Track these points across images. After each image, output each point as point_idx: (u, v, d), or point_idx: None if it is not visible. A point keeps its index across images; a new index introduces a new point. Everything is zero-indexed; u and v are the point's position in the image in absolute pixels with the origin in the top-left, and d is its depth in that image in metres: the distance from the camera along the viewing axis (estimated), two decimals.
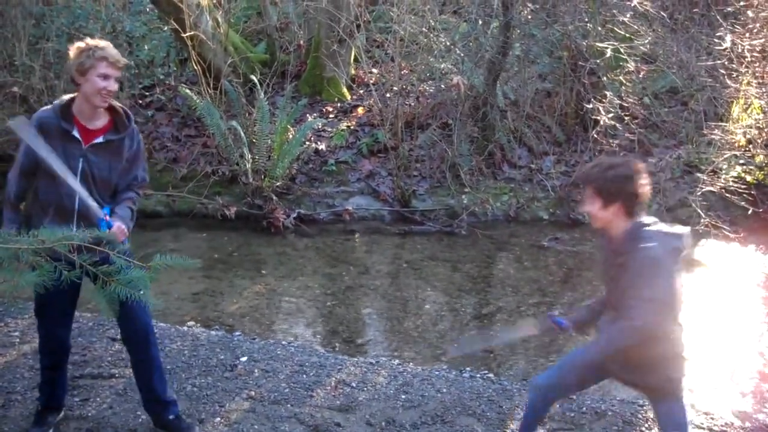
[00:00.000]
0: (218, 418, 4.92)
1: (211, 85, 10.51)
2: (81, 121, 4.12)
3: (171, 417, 4.62)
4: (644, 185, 3.73)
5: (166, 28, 11.58)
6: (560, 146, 11.11)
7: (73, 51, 4.08)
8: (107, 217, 3.97)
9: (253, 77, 10.52)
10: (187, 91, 10.44)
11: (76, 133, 4.08)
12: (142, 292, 3.14)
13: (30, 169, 4.12)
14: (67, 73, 4.15)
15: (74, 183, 3.94)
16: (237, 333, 6.55)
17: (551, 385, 4.07)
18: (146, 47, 12.29)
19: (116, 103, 4.24)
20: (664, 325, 3.66)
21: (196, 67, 10.51)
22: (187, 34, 10.37)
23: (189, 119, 11.27)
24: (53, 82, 10.77)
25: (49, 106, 4.17)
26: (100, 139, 4.14)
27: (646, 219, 3.75)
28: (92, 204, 3.96)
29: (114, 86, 4.07)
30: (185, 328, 6.57)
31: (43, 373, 4.65)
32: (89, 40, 4.12)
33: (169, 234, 9.55)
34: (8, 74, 10.87)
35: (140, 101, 11.65)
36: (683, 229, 3.81)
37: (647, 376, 3.80)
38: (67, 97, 4.17)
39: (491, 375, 5.90)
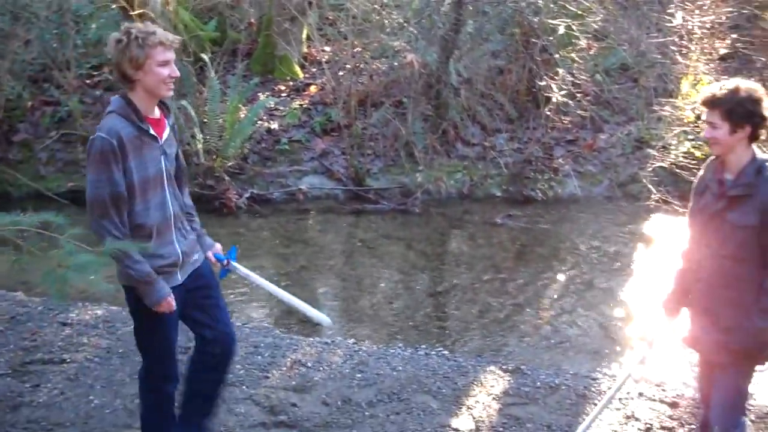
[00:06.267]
0: None
1: None
2: (149, 116, 3.68)
3: None
4: None
5: (113, 6, 11.34)
6: (513, 123, 11.14)
7: (114, 44, 3.57)
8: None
9: (203, 56, 10.37)
10: None
11: (153, 131, 3.66)
12: (92, 277, 3.09)
13: (120, 196, 3.58)
14: (116, 72, 3.65)
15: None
16: None
17: None
18: (94, 26, 12.03)
19: None
20: None
21: None
22: (135, 12, 10.18)
23: None
24: None
25: (111, 116, 3.62)
26: (167, 131, 3.77)
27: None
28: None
29: (177, 71, 3.68)
30: None
31: None
32: (132, 27, 3.63)
33: None
34: None
35: (88, 81, 11.41)
36: None
37: None
38: (118, 98, 3.68)
39: (446, 352, 5.93)
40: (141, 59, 3.54)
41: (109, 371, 5.26)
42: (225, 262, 4.12)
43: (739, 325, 3.53)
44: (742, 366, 3.63)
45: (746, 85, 3.51)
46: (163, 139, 3.72)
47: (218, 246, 4.13)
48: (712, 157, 3.69)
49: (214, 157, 9.74)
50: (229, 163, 9.83)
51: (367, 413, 4.83)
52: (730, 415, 3.65)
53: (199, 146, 9.62)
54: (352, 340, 6.07)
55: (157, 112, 3.74)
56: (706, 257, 3.60)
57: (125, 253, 3.47)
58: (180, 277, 3.78)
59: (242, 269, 4.11)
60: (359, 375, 5.31)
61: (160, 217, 3.69)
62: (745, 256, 3.49)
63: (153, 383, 3.98)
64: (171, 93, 3.71)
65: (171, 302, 3.66)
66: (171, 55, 3.63)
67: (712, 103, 3.48)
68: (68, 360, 5.41)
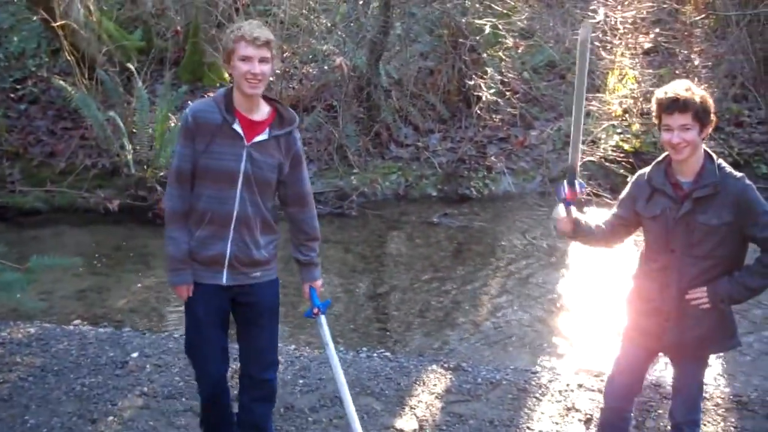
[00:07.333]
0: (111, 417, 4.78)
1: (86, 75, 10.18)
2: (242, 113, 3.66)
3: None
4: None
5: (35, 18, 11.11)
6: (445, 123, 11.24)
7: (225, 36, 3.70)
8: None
9: (129, 65, 10.20)
10: (61, 82, 10.05)
11: (237, 127, 3.61)
12: (18, 296, 3.01)
13: (188, 173, 3.67)
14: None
15: None
16: (126, 329, 6.37)
17: None
18: (16, 38, 11.78)
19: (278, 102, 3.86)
20: None
21: (69, 58, 10.14)
22: (58, 23, 9.99)
23: (65, 111, 10.85)
24: None
25: (206, 98, 3.76)
26: (263, 136, 3.67)
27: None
28: None
29: (258, 68, 3.56)
30: (71, 327, 6.33)
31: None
32: (236, 24, 3.72)
33: (49, 231, 9.18)
34: None
35: (12, 95, 11.15)
36: None
37: None
38: (225, 89, 3.75)
39: (388, 353, 5.93)
40: (229, 52, 3.62)
41: (44, 390, 5.12)
42: (315, 310, 4.08)
43: (718, 323, 3.54)
44: (707, 358, 3.67)
45: (691, 84, 3.45)
46: (252, 141, 3.65)
47: (318, 283, 4.14)
48: (657, 161, 3.64)
49: (145, 167, 9.58)
50: (161, 173, 9.66)
51: (310, 419, 4.81)
52: (699, 407, 3.72)
53: (129, 157, 9.47)
54: (293, 347, 6.03)
55: (261, 115, 3.70)
56: (677, 261, 3.50)
57: (168, 226, 3.67)
58: (224, 280, 3.74)
59: (325, 327, 4.08)
60: (301, 381, 5.28)
61: (218, 210, 3.66)
62: (723, 253, 3.45)
63: (200, 390, 3.95)
64: (253, 91, 3.61)
65: (183, 292, 3.73)
66: (252, 52, 3.55)
67: (685, 105, 3.33)
68: (1, 380, 5.26)
